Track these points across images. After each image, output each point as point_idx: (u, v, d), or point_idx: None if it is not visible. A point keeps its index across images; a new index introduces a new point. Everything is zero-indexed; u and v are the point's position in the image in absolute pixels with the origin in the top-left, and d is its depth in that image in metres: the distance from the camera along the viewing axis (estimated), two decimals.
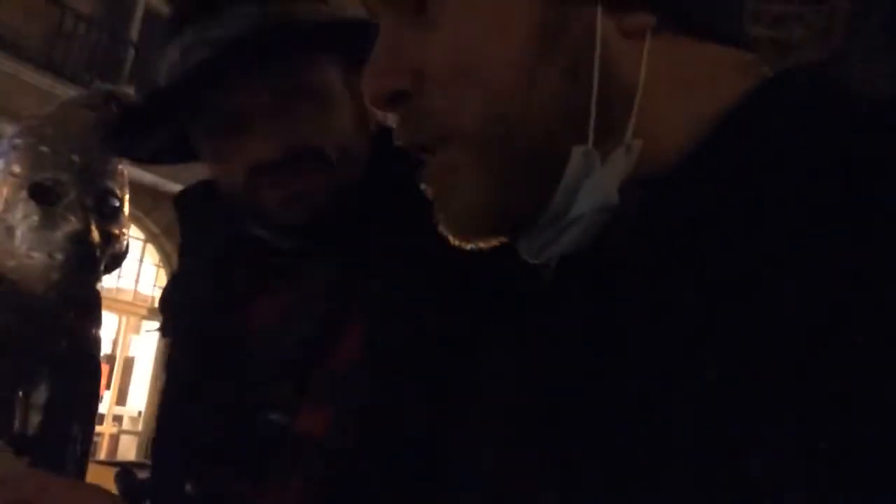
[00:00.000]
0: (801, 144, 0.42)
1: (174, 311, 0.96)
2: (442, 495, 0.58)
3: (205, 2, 0.83)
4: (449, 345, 0.69)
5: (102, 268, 1.67)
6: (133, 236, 11.45)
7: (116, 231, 1.68)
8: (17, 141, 1.60)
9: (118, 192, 1.67)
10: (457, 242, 0.51)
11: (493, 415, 0.55)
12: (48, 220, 1.55)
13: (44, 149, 1.57)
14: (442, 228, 0.51)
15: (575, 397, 0.46)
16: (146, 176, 7.29)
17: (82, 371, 1.64)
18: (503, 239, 0.51)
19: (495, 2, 0.47)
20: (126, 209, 1.73)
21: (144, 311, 11.41)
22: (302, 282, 0.85)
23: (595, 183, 0.46)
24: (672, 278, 0.43)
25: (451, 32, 0.47)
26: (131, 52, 10.68)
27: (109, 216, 1.64)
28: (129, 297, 11.27)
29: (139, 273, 11.39)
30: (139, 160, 1.00)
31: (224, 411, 0.83)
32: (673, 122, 0.47)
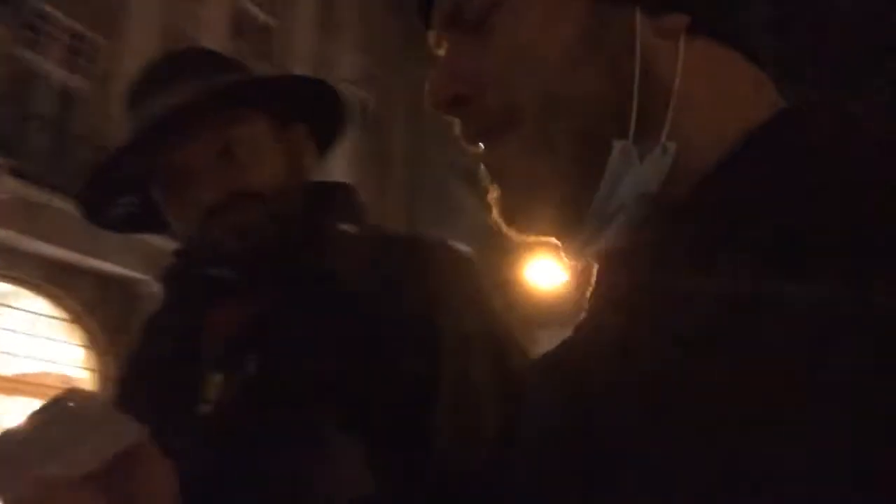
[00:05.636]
0: (826, 175, 0.43)
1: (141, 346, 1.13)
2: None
3: (158, 80, 1.02)
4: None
5: None
6: (56, 317, 10.95)
7: None
8: None
9: None
10: (511, 234, 0.55)
11: (529, 430, 0.55)
12: None
13: None
14: (496, 219, 0.55)
15: (600, 406, 0.47)
16: (67, 255, 7.00)
17: None
18: (551, 233, 0.54)
19: (544, 9, 0.52)
20: None
21: None
22: (241, 303, 1.02)
23: (635, 178, 0.49)
24: (692, 293, 0.44)
25: (506, 38, 0.53)
26: (36, 125, 10.35)
27: None
28: (54, 381, 10.75)
29: (61, 355, 10.90)
30: (112, 228, 1.15)
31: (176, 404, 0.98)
32: (705, 129, 0.50)
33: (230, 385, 0.96)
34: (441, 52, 0.58)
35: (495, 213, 0.55)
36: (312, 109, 1.09)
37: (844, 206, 0.41)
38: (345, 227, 1.07)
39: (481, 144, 0.56)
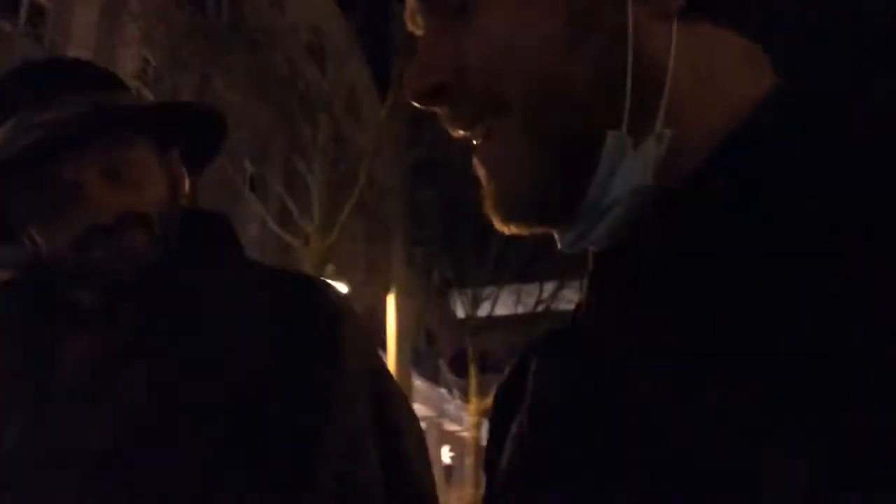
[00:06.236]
0: (822, 162, 0.42)
1: None
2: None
3: (38, 90, 0.99)
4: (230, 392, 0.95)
5: None
6: None
7: None
8: None
9: None
10: (502, 228, 0.52)
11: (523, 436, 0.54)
12: None
13: None
14: (489, 213, 0.52)
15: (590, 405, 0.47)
16: None
17: None
18: (544, 226, 0.52)
19: None
20: None
21: None
22: (103, 329, 1.00)
23: (629, 168, 0.47)
24: (691, 286, 0.44)
25: (489, 22, 0.49)
26: None
27: None
28: None
29: None
30: None
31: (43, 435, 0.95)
32: (699, 115, 0.48)
33: (111, 415, 0.95)
34: (418, 31, 0.55)
35: (488, 208, 0.52)
36: (190, 133, 1.10)
37: (840, 196, 0.39)
38: (223, 256, 1.09)
39: (467, 132, 0.53)
